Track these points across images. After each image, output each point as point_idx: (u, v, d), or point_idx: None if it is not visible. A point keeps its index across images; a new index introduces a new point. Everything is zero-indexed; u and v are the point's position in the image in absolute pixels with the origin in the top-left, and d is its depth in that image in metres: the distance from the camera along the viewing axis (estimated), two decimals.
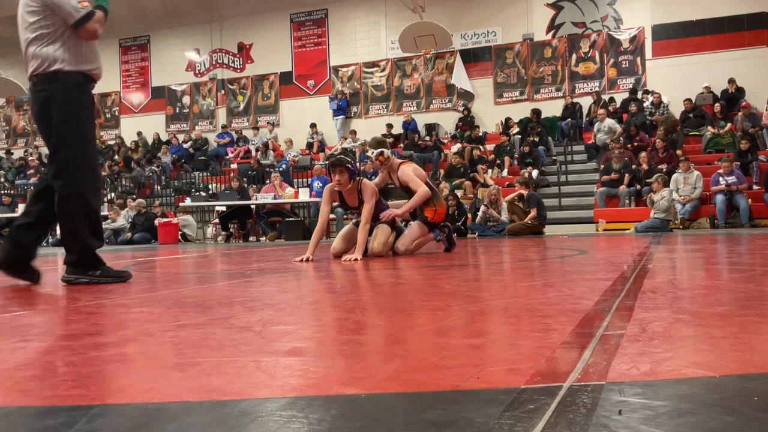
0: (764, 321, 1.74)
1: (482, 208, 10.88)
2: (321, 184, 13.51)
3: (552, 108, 15.66)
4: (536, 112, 14.99)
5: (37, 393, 1.18)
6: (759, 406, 0.97)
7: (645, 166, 11.80)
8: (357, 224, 5.29)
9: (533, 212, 10.47)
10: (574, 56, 15.91)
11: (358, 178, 5.19)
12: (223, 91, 19.27)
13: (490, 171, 13.73)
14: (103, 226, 13.99)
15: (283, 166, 15.51)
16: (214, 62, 19.35)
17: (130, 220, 13.36)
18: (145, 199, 14.26)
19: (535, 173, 13.10)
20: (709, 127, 13.33)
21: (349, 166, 5.06)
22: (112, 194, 16.13)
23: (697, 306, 2.04)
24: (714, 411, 0.95)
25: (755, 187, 11.43)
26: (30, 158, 19.99)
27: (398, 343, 1.58)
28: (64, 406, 1.08)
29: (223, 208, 13.01)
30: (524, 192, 10.76)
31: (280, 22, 18.48)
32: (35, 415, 1.03)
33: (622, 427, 0.89)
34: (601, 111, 13.97)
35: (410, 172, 5.41)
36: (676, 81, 14.58)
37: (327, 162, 5.23)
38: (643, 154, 12.11)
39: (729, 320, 1.74)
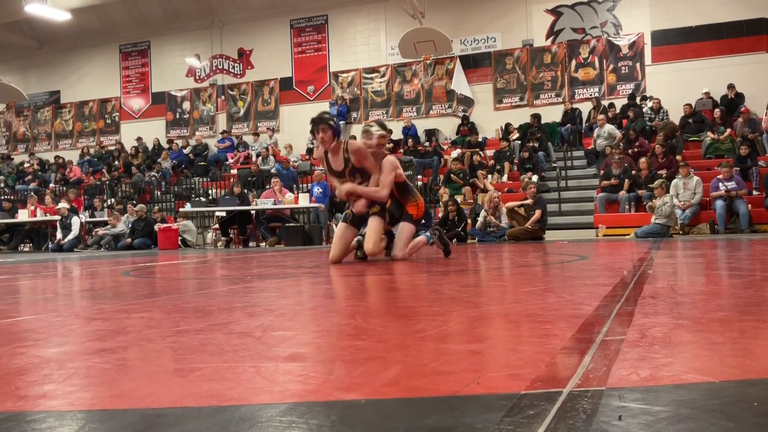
0: (764, 326, 1.74)
1: (482, 213, 10.88)
2: (321, 190, 13.51)
3: (552, 114, 15.68)
4: (536, 117, 15.01)
5: (37, 398, 1.18)
6: (759, 412, 0.97)
7: (645, 172, 11.81)
8: (352, 222, 5.25)
9: (538, 214, 10.44)
10: (573, 62, 15.95)
11: (343, 139, 5.21)
12: (223, 97, 19.31)
13: (489, 176, 13.74)
14: (103, 232, 13.89)
15: (292, 171, 15.52)
16: (214, 68, 19.39)
17: (129, 225, 13.36)
18: (145, 205, 14.26)
19: (534, 179, 13.10)
20: (709, 133, 13.35)
21: (332, 123, 5.11)
22: (112, 200, 16.15)
23: (697, 311, 2.04)
24: (714, 416, 0.95)
25: (755, 193, 11.44)
26: (26, 164, 20.01)
27: (398, 348, 1.58)
28: (64, 412, 1.08)
29: (223, 214, 13.01)
30: (530, 200, 10.68)
31: (281, 28, 18.53)
32: (35, 421, 1.03)
33: None
34: (600, 116, 13.99)
35: (389, 169, 5.19)
36: (675, 87, 14.61)
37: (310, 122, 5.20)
38: (643, 159, 12.12)
39: (729, 326, 1.74)
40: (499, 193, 11.46)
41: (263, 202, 12.97)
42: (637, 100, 14.74)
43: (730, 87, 13.99)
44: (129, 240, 12.91)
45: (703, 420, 0.93)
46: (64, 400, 1.16)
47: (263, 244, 12.71)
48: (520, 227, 10.48)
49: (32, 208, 14.81)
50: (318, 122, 5.08)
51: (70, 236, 13.27)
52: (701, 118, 13.83)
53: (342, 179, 5.21)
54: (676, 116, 14.09)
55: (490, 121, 16.43)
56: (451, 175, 13.21)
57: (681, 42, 14.99)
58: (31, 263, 7.69)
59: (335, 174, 5.27)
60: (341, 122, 17.41)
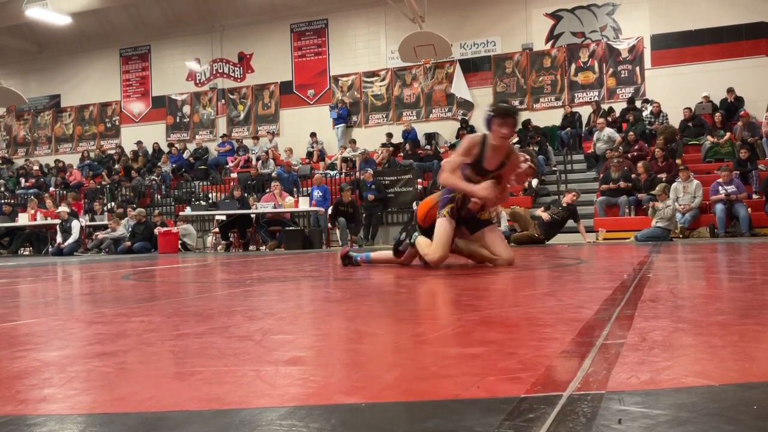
0: (764, 330, 1.74)
1: None
2: (321, 193, 13.51)
3: (551, 117, 15.69)
4: (525, 123, 14.88)
5: (38, 402, 1.18)
6: (758, 415, 0.97)
7: (644, 176, 11.81)
8: (458, 221, 4.81)
9: (581, 228, 10.37)
10: (573, 66, 15.97)
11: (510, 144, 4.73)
12: (223, 101, 19.32)
13: None
14: (103, 236, 13.85)
15: (294, 175, 15.53)
16: (214, 72, 19.42)
17: (129, 229, 13.36)
18: (145, 209, 14.26)
19: (534, 182, 13.11)
20: (709, 137, 13.36)
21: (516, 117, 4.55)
22: (112, 203, 16.14)
23: (697, 315, 2.04)
24: (713, 420, 0.95)
25: (755, 196, 11.44)
26: (34, 167, 20.00)
27: (398, 352, 1.58)
28: (64, 416, 1.08)
29: (223, 217, 13.01)
30: (562, 206, 10.56)
31: (281, 31, 18.55)
32: (36, 425, 1.03)
33: None
34: (600, 120, 14.00)
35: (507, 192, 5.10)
36: (675, 90, 14.62)
37: (492, 111, 4.40)
38: (642, 163, 12.13)
39: (729, 329, 1.74)
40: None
41: (263, 206, 12.97)
42: (637, 104, 14.76)
43: (730, 91, 14.00)
44: (129, 243, 12.90)
45: (702, 423, 0.93)
46: (64, 403, 1.16)
47: (263, 247, 12.71)
48: (525, 232, 10.42)
49: (32, 211, 14.81)
50: (514, 113, 4.45)
51: (70, 240, 13.27)
52: (701, 122, 13.85)
53: (482, 177, 4.59)
54: (675, 120, 14.10)
55: None
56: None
57: (680, 46, 15.01)
58: (31, 267, 7.69)
59: (481, 171, 4.59)
60: (342, 125, 17.43)
